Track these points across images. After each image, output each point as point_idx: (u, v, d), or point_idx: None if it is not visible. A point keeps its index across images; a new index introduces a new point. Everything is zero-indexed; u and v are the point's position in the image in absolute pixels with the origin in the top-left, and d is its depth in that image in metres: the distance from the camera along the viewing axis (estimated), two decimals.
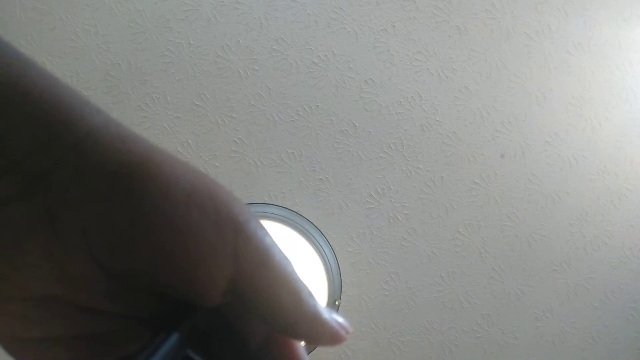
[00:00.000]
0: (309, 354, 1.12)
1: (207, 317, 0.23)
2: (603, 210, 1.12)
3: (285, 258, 0.24)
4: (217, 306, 0.23)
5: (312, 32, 1.01)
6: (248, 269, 0.22)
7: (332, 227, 1.11)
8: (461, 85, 1.05)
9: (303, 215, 1.10)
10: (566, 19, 1.02)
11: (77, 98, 0.21)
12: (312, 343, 0.25)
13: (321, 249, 1.09)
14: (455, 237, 1.12)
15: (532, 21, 1.02)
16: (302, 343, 0.26)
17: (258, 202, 1.09)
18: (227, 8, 0.99)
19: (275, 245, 0.23)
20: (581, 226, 1.13)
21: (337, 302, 1.12)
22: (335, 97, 1.04)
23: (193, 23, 1.00)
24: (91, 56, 1.01)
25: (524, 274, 1.14)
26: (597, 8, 1.02)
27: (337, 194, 1.09)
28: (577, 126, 1.08)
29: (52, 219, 0.20)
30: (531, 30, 1.03)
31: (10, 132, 0.19)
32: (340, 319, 0.25)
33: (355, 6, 1.00)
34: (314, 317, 0.24)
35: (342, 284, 1.13)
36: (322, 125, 1.06)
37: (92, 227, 0.20)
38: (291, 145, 1.07)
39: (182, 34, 1.00)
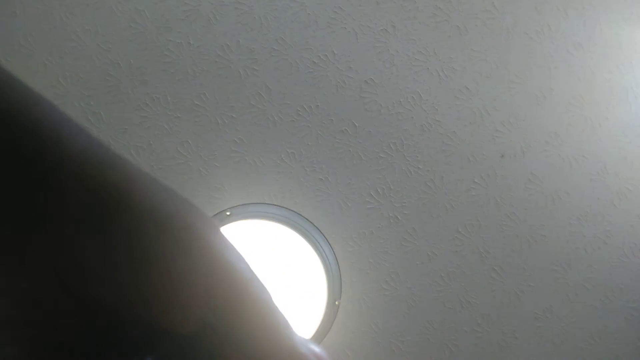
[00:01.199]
0: None
1: (178, 343, 0.23)
2: (603, 210, 1.12)
3: (263, 289, 0.23)
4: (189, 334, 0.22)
5: (312, 32, 1.01)
6: (222, 304, 0.22)
7: (332, 227, 1.11)
8: (461, 85, 1.05)
9: (303, 215, 1.10)
10: (566, 19, 1.02)
11: (55, 117, 0.20)
12: None
13: (321, 249, 1.09)
14: (455, 237, 1.12)
15: (532, 21, 1.02)
16: None
17: (258, 202, 1.10)
18: (227, 8, 0.99)
19: (253, 276, 0.23)
20: (581, 226, 1.13)
21: (337, 302, 1.12)
22: (335, 97, 1.05)
23: (193, 23, 1.00)
24: (91, 56, 1.01)
25: (524, 274, 1.14)
26: (597, 8, 1.02)
27: (337, 194, 1.09)
28: (577, 126, 1.08)
29: (19, 246, 0.19)
30: (531, 30, 1.03)
31: None
32: (317, 351, 0.25)
33: (355, 6, 1.00)
34: (291, 351, 0.24)
35: (342, 284, 1.13)
36: (322, 125, 1.06)
37: (64, 253, 0.20)
38: (291, 145, 1.07)
39: (182, 34, 1.00)
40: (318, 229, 1.10)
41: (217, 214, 1.09)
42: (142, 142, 1.05)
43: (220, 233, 0.23)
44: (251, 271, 0.23)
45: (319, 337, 1.12)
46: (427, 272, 1.13)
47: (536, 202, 1.11)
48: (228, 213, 1.08)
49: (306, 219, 1.10)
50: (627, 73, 1.06)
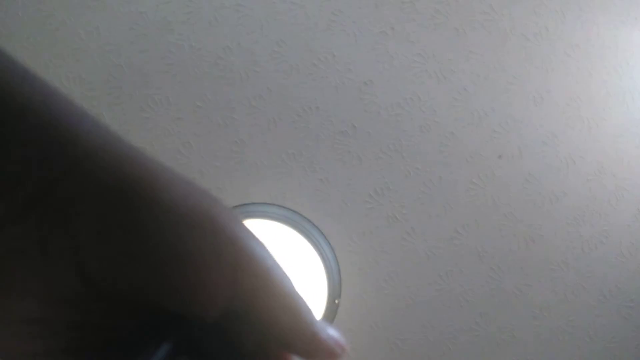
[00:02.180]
0: None
1: (201, 328, 0.23)
2: (600, 210, 1.13)
3: (286, 276, 0.24)
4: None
5: (312, 34, 1.02)
6: (247, 292, 0.22)
7: (332, 227, 1.12)
8: (459, 87, 1.05)
9: (303, 215, 1.11)
10: (563, 21, 1.03)
11: (74, 112, 0.20)
12: (308, 359, 0.25)
13: (321, 249, 1.10)
14: (454, 236, 1.13)
15: (529, 23, 1.03)
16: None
17: (258, 202, 1.10)
18: (228, 10, 1.00)
19: (276, 264, 0.24)
20: (578, 226, 1.14)
21: (336, 301, 1.13)
22: (335, 98, 1.05)
23: (194, 25, 1.01)
24: (94, 58, 1.02)
25: (522, 273, 1.15)
26: (594, 10, 1.03)
27: (337, 194, 1.10)
28: (574, 127, 1.09)
29: (42, 241, 0.19)
30: (529, 32, 1.03)
31: (4, 154, 0.18)
32: (336, 336, 0.26)
33: (355, 8, 1.01)
34: (312, 335, 0.24)
35: (342, 283, 1.13)
36: (322, 126, 1.07)
37: (87, 249, 0.20)
38: (291, 145, 1.08)
39: (183, 36, 1.01)
40: (318, 228, 1.11)
41: None
42: (144, 143, 1.06)
43: (242, 223, 0.23)
44: (274, 259, 0.24)
45: None
46: (425, 272, 1.14)
47: (534, 202, 1.12)
48: None
49: (306, 218, 1.11)
50: (624, 74, 1.07)
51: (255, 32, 1.02)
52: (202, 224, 0.22)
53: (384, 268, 1.14)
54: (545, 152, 1.09)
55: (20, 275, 0.19)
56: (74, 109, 0.21)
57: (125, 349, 0.22)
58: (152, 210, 0.21)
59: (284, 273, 0.24)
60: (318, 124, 1.07)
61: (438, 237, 1.13)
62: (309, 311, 0.25)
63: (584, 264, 1.15)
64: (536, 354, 1.20)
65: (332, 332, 0.26)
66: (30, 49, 1.01)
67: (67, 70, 1.02)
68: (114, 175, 0.20)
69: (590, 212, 1.13)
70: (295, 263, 1.11)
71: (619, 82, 1.07)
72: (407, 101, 1.06)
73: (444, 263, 1.14)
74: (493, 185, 1.10)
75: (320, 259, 1.10)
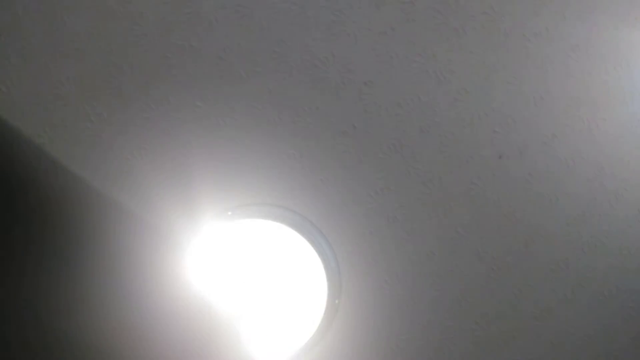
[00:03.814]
0: (310, 353, 1.13)
1: None
2: (600, 211, 1.13)
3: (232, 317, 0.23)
4: None
5: (312, 35, 1.02)
6: (192, 336, 0.22)
7: (332, 227, 1.11)
8: (459, 87, 1.05)
9: (303, 215, 1.10)
10: (564, 21, 1.03)
11: (38, 157, 0.20)
12: None
13: (321, 249, 1.10)
14: (454, 237, 1.13)
15: (530, 23, 1.03)
16: None
17: (258, 202, 1.10)
18: (228, 11, 1.00)
19: (221, 304, 0.23)
20: (579, 226, 1.13)
21: (337, 302, 1.12)
22: (335, 98, 1.05)
23: (194, 26, 1.01)
24: (93, 58, 1.02)
25: (522, 273, 1.15)
26: (594, 10, 1.03)
27: (337, 194, 1.10)
28: (574, 127, 1.08)
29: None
30: (529, 32, 1.03)
31: None
32: None
33: (355, 9, 1.01)
34: None
35: (342, 283, 1.13)
36: (322, 127, 1.07)
37: (40, 295, 0.19)
38: (291, 145, 1.08)
39: (183, 37, 1.01)
40: (318, 229, 1.11)
41: (217, 213, 1.10)
42: (144, 143, 1.06)
43: (183, 259, 0.23)
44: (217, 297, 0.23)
45: (318, 336, 1.13)
46: (426, 272, 1.14)
47: (534, 203, 1.12)
48: (229, 213, 1.09)
49: (306, 219, 1.11)
50: (624, 74, 1.06)
51: (255, 33, 1.01)
52: (144, 267, 0.21)
53: (384, 268, 1.13)
54: (545, 152, 1.09)
55: None
56: (35, 149, 0.20)
57: None
58: (103, 255, 0.20)
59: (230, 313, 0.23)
60: (318, 124, 1.06)
61: (438, 237, 1.13)
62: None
63: (584, 264, 1.15)
64: (537, 355, 1.19)
65: None
66: (29, 49, 1.01)
67: (67, 71, 1.02)
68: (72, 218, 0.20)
69: (591, 213, 1.13)
70: (295, 263, 1.11)
71: (619, 82, 1.07)
72: (408, 101, 1.06)
73: (444, 263, 1.14)
74: (493, 185, 1.10)
75: (320, 259, 1.10)
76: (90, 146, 1.05)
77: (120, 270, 0.21)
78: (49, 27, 1.00)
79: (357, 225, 1.11)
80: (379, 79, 1.04)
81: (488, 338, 1.18)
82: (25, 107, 1.02)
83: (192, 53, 1.02)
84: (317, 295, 1.11)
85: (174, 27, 1.01)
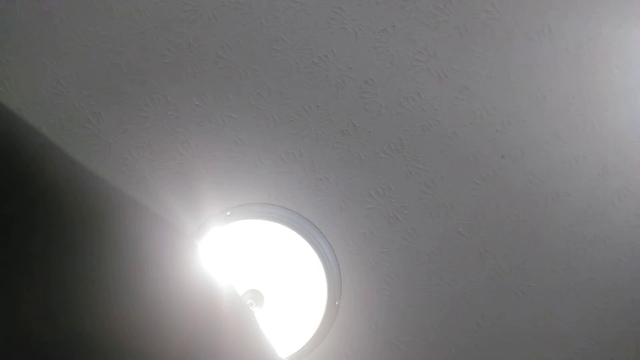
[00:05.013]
0: (310, 354, 1.12)
1: None
2: (603, 210, 1.12)
3: (246, 309, 0.23)
4: None
5: (312, 32, 1.01)
6: (203, 329, 0.22)
7: (332, 227, 1.11)
8: (461, 86, 1.05)
9: (303, 215, 1.10)
10: (566, 19, 1.02)
11: (43, 146, 0.20)
12: None
13: (321, 249, 1.09)
14: (455, 237, 1.12)
15: (532, 21, 1.02)
16: None
17: (258, 202, 1.10)
18: (227, 8, 0.99)
19: (234, 295, 0.23)
20: (581, 226, 1.13)
21: (337, 302, 1.12)
22: (336, 97, 1.05)
23: (193, 23, 1.00)
24: (91, 56, 1.01)
25: (524, 274, 1.14)
26: (597, 8, 1.02)
27: (337, 194, 1.09)
28: (577, 126, 1.08)
29: (7, 287, 0.19)
30: (531, 30, 1.03)
31: None
32: None
33: (355, 6, 1.00)
34: None
35: (342, 284, 1.13)
36: (322, 125, 1.06)
37: (50, 293, 0.19)
38: (291, 145, 1.07)
39: (182, 34, 1.00)
40: (318, 229, 1.10)
41: (217, 214, 1.09)
42: (142, 142, 1.05)
43: (197, 249, 0.22)
44: (232, 288, 0.23)
45: (319, 337, 1.12)
46: (427, 272, 1.13)
47: (536, 202, 1.11)
48: (228, 213, 1.08)
49: (306, 219, 1.10)
50: (628, 73, 1.06)
51: (254, 30, 1.01)
52: (158, 261, 0.21)
53: (385, 269, 1.13)
54: (548, 151, 1.09)
55: None
56: (44, 141, 0.20)
57: None
58: (113, 247, 0.20)
59: (244, 305, 0.23)
60: (318, 123, 1.06)
61: (439, 237, 1.12)
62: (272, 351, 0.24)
63: (587, 264, 1.15)
64: (538, 355, 1.19)
65: None
66: (27, 47, 1.00)
67: (65, 69, 1.01)
68: (78, 210, 0.20)
69: (594, 212, 1.12)
70: (295, 264, 1.10)
71: (622, 81, 1.06)
72: (409, 100, 1.05)
73: (445, 264, 1.13)
74: (495, 185, 1.10)
75: (320, 259, 1.09)
76: (88, 145, 1.05)
77: (127, 264, 0.20)
78: (47, 25, 0.99)
79: (357, 226, 1.11)
80: (380, 77, 1.04)
81: (489, 339, 1.17)
82: (24, 106, 1.02)
83: (191, 51, 1.01)
84: (317, 296, 1.10)
85: (172, 24, 1.00)
